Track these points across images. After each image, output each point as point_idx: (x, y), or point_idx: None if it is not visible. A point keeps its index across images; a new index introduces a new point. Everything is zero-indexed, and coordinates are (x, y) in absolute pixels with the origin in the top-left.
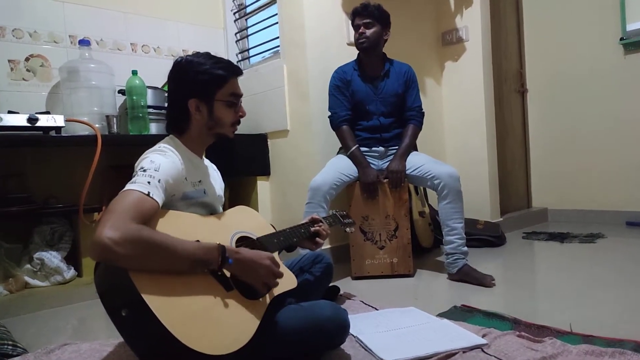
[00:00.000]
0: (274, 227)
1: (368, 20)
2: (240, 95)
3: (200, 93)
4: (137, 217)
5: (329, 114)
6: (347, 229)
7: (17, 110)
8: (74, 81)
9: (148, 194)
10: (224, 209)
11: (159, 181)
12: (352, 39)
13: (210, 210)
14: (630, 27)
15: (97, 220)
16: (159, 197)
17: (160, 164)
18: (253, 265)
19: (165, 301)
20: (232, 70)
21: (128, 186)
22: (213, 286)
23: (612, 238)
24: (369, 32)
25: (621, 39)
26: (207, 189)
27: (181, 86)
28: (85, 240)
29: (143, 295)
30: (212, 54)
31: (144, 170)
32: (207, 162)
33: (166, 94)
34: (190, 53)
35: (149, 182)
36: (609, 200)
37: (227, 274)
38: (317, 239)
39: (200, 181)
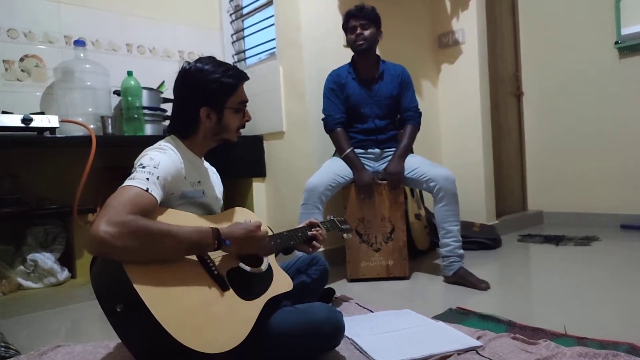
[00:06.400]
0: (270, 229)
1: (364, 22)
2: (247, 101)
3: (212, 101)
4: (135, 212)
5: (323, 116)
6: (345, 235)
7: (11, 111)
8: (68, 82)
9: (147, 190)
10: (220, 210)
11: (157, 178)
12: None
13: (207, 212)
14: (625, 31)
15: (91, 221)
16: (157, 193)
17: (160, 162)
18: (248, 239)
19: (160, 297)
20: (240, 77)
21: (127, 182)
22: (209, 285)
23: (607, 241)
24: (366, 33)
25: (616, 42)
26: (206, 190)
27: (192, 94)
28: (79, 241)
29: (138, 291)
30: (218, 59)
31: (143, 167)
32: (207, 164)
33: (162, 95)
34: (196, 58)
35: (147, 179)
36: (604, 203)
37: (223, 273)
38: (314, 242)
39: (199, 182)
